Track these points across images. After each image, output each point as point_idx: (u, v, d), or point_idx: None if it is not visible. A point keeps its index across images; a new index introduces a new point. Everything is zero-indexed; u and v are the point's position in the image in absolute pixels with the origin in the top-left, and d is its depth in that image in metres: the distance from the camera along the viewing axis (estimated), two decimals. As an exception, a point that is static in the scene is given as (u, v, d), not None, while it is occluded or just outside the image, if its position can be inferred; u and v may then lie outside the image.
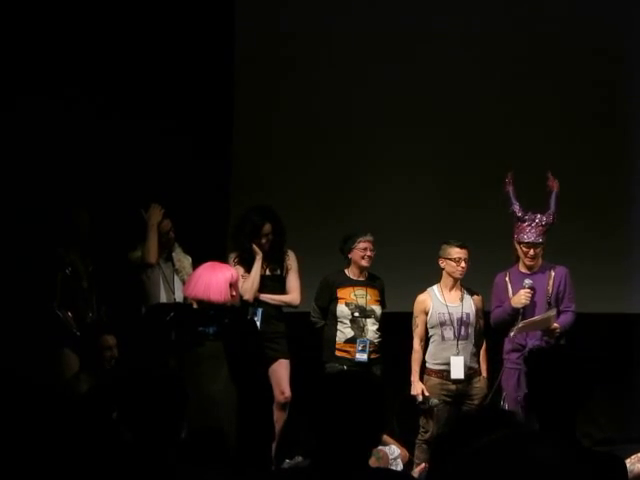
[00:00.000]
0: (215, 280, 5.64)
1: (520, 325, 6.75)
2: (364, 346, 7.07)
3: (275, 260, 7.15)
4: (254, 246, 7.04)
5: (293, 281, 7.21)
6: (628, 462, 5.22)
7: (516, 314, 6.81)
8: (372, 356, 7.10)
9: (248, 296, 6.98)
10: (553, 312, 6.78)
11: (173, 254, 7.24)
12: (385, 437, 6.83)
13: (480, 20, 8.31)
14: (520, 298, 6.79)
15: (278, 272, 7.19)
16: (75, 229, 6.90)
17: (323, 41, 8.28)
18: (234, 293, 5.76)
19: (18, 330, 6.48)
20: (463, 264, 6.95)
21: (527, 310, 6.82)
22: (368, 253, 7.11)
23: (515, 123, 8.31)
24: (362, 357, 7.07)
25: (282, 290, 7.20)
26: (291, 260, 7.22)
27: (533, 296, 6.83)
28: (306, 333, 7.27)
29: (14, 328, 6.49)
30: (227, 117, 8.15)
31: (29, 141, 7.33)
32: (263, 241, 7.06)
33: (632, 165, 8.38)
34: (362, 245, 7.11)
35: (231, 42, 8.11)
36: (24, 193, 7.17)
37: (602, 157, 8.35)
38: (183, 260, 7.24)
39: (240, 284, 6.79)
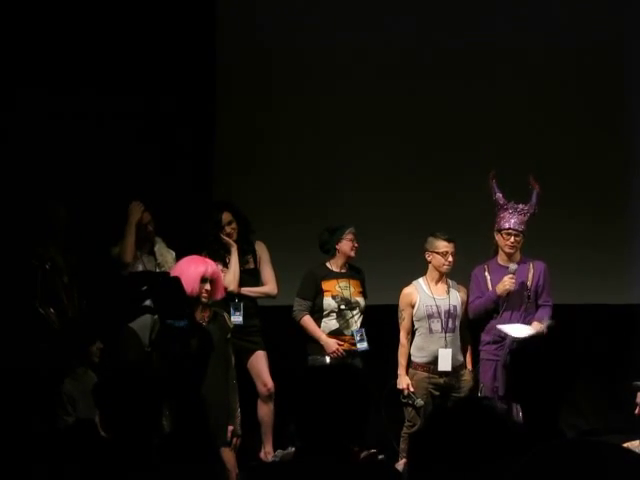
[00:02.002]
0: (187, 274, 5.47)
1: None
2: (362, 335, 7.11)
3: (245, 253, 7.15)
4: (225, 238, 7.03)
5: (268, 272, 7.24)
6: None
7: (499, 300, 6.84)
8: (353, 348, 7.12)
9: (233, 287, 7.00)
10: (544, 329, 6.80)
11: (155, 248, 7.20)
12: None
13: (470, 16, 8.31)
14: (504, 284, 6.80)
15: (251, 266, 7.21)
16: (53, 225, 6.85)
17: (306, 37, 8.25)
18: (208, 287, 5.63)
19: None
20: (450, 258, 6.95)
21: (509, 298, 6.84)
22: (355, 244, 7.15)
23: (508, 114, 8.29)
24: (363, 346, 7.11)
25: (257, 283, 7.22)
26: (262, 251, 7.25)
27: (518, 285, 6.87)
28: (284, 327, 7.28)
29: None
30: (210, 112, 8.12)
31: (5, 137, 7.28)
32: (228, 231, 7.06)
33: (632, 156, 8.38)
34: (350, 236, 7.15)
35: (212, 36, 8.06)
36: (2, 190, 7.11)
37: (602, 147, 8.35)
38: (166, 255, 7.19)
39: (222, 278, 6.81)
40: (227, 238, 7.06)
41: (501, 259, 6.95)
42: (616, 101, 8.40)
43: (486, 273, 6.96)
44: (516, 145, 8.12)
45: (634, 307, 8.20)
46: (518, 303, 6.90)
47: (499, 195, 6.89)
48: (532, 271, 6.95)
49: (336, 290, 7.16)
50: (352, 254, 7.17)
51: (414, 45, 8.26)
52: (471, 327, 7.12)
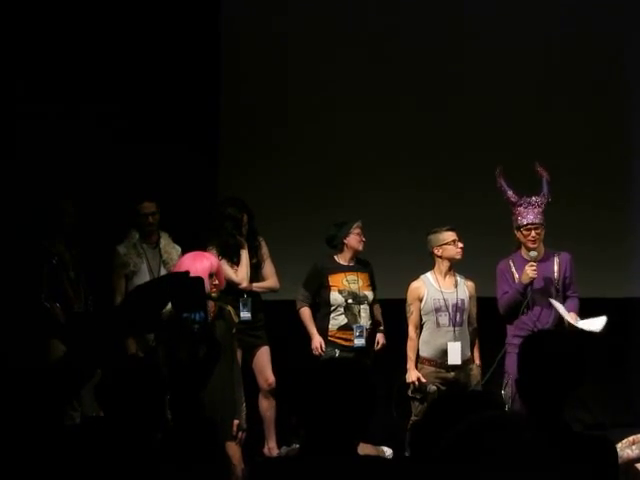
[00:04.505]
0: (194, 271, 5.46)
1: (572, 322, 6.75)
2: (361, 331, 7.10)
3: (251, 248, 7.18)
4: (240, 238, 7.06)
5: (269, 267, 7.31)
6: (618, 447, 5.22)
7: (525, 291, 6.79)
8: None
9: (245, 284, 7.06)
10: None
11: (161, 245, 7.21)
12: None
13: (471, 12, 8.32)
14: (527, 273, 6.76)
15: (254, 260, 7.23)
16: (60, 220, 6.87)
17: (314, 31, 8.26)
18: (216, 282, 5.65)
19: (5, 322, 6.45)
20: (460, 244, 6.93)
21: (537, 292, 6.81)
22: (363, 238, 7.16)
23: (513, 111, 8.30)
24: (360, 342, 7.10)
25: (258, 278, 7.24)
26: (264, 247, 7.30)
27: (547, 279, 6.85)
28: (287, 321, 7.29)
29: (1, 320, 6.47)
30: (214, 107, 8.13)
31: (15, 134, 7.30)
32: (244, 232, 7.12)
33: (632, 151, 8.38)
34: (358, 230, 7.16)
35: (218, 32, 8.08)
36: (9, 185, 7.13)
37: (603, 142, 8.35)
38: (171, 251, 7.21)
39: (232, 272, 6.82)
40: (240, 239, 7.09)
41: (525, 253, 6.88)
42: (617, 97, 8.41)
43: (512, 269, 6.91)
44: (520, 140, 8.12)
45: (634, 301, 8.21)
46: (547, 297, 6.85)
47: (510, 193, 6.83)
48: (558, 263, 6.93)
49: (343, 284, 7.16)
50: (360, 248, 7.18)
51: (421, 45, 8.28)
52: (483, 321, 7.09)
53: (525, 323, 6.82)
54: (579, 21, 8.35)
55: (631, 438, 5.77)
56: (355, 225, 7.16)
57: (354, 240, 7.16)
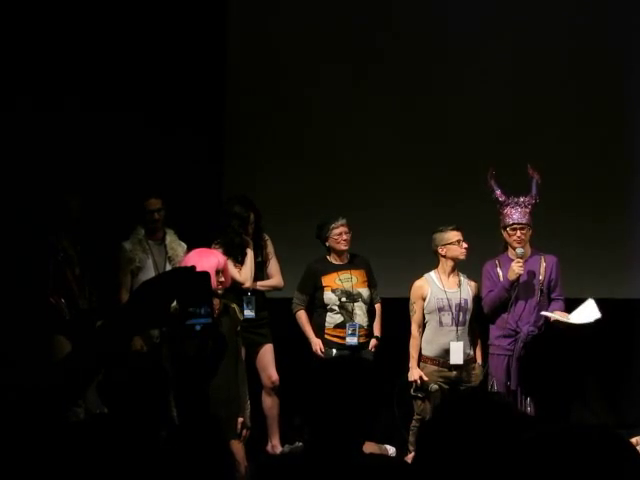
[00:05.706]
0: (200, 267, 5.46)
1: (559, 319, 6.74)
2: (354, 330, 7.09)
3: (256, 247, 7.19)
4: (246, 237, 7.06)
5: (274, 265, 7.32)
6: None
7: (512, 288, 6.82)
8: (362, 340, 7.13)
9: (249, 284, 7.06)
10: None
11: (167, 242, 7.21)
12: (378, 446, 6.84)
13: (472, 15, 8.32)
14: (514, 269, 6.79)
15: (259, 259, 7.24)
16: (67, 215, 6.88)
17: (317, 30, 8.26)
18: (222, 279, 5.65)
19: (10, 317, 6.45)
20: (464, 244, 6.95)
21: (520, 290, 6.83)
22: (344, 237, 7.14)
23: (509, 112, 8.31)
24: (352, 341, 7.10)
25: (263, 276, 7.27)
26: (269, 245, 7.31)
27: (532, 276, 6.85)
28: (289, 319, 7.31)
29: (6, 315, 6.47)
30: (219, 105, 8.13)
31: (21, 129, 7.30)
32: (250, 231, 7.11)
33: (632, 151, 8.38)
34: (336, 231, 7.14)
35: (223, 34, 8.09)
36: (15, 181, 7.13)
37: (602, 144, 8.35)
38: (177, 248, 7.22)
39: (235, 271, 6.82)
40: (246, 237, 7.10)
41: (511, 254, 6.93)
42: (616, 99, 8.41)
43: (497, 269, 6.94)
44: (518, 143, 8.12)
45: (634, 302, 8.20)
46: (530, 296, 6.88)
47: (498, 192, 6.88)
48: (544, 265, 6.94)
49: (336, 284, 7.15)
50: (342, 247, 7.16)
51: (421, 45, 8.29)
52: (479, 322, 7.11)
53: (508, 323, 6.86)
54: (580, 26, 8.35)
55: (634, 439, 5.77)
56: (332, 226, 7.13)
57: (333, 242, 7.15)
